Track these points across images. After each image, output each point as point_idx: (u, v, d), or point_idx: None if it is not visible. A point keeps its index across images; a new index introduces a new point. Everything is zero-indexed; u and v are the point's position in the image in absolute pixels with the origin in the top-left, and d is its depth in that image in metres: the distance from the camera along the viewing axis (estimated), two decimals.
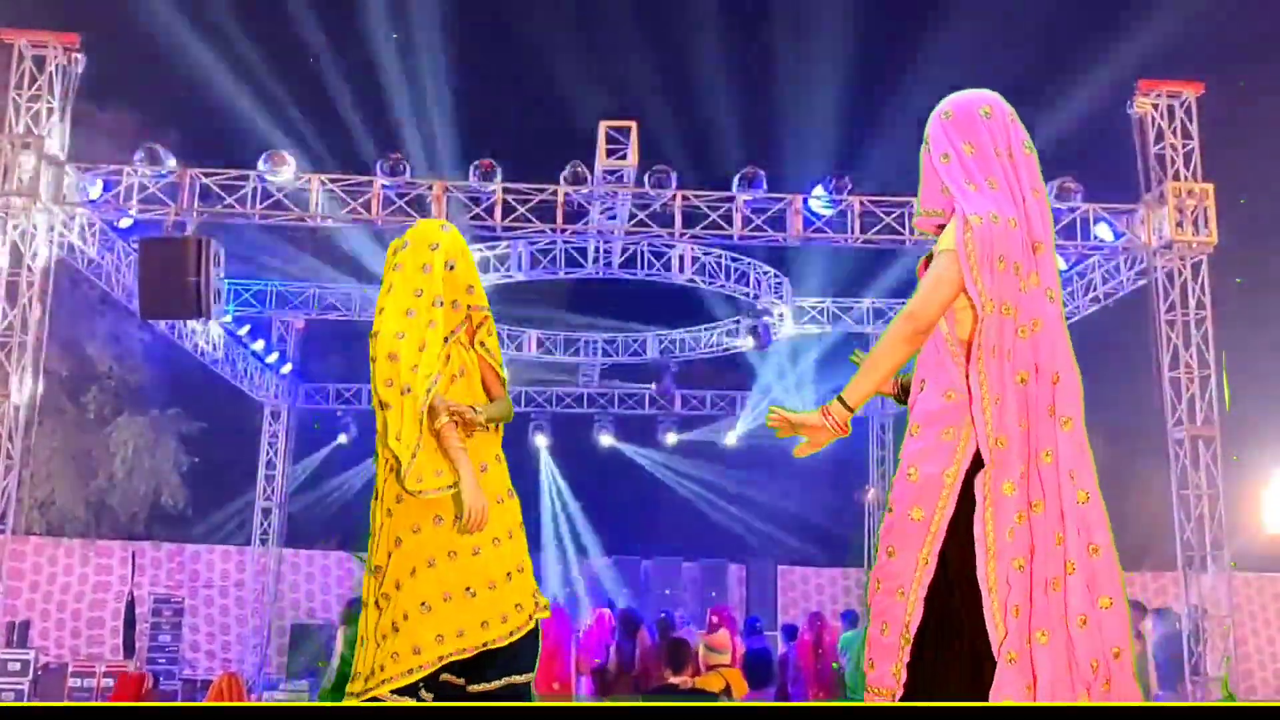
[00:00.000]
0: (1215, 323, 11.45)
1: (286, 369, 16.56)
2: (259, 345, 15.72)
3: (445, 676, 3.72)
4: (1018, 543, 2.81)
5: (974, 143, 2.99)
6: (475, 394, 3.86)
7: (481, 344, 3.95)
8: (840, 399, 3.00)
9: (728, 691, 7.66)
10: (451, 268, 3.84)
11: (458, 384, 3.81)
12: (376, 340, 3.73)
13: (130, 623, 15.58)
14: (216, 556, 17.86)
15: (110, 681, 14.97)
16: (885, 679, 2.87)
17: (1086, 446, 2.89)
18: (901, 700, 2.82)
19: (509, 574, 3.78)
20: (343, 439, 18.54)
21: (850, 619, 12.21)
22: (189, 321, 13.67)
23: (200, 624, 17.28)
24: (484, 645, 3.71)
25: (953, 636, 2.83)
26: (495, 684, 3.73)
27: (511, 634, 3.74)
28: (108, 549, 17.57)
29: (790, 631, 13.04)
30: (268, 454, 17.11)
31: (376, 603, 3.77)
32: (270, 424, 17.20)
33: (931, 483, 2.86)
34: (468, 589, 3.70)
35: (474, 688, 3.74)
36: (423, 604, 3.68)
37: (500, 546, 3.78)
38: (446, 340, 3.81)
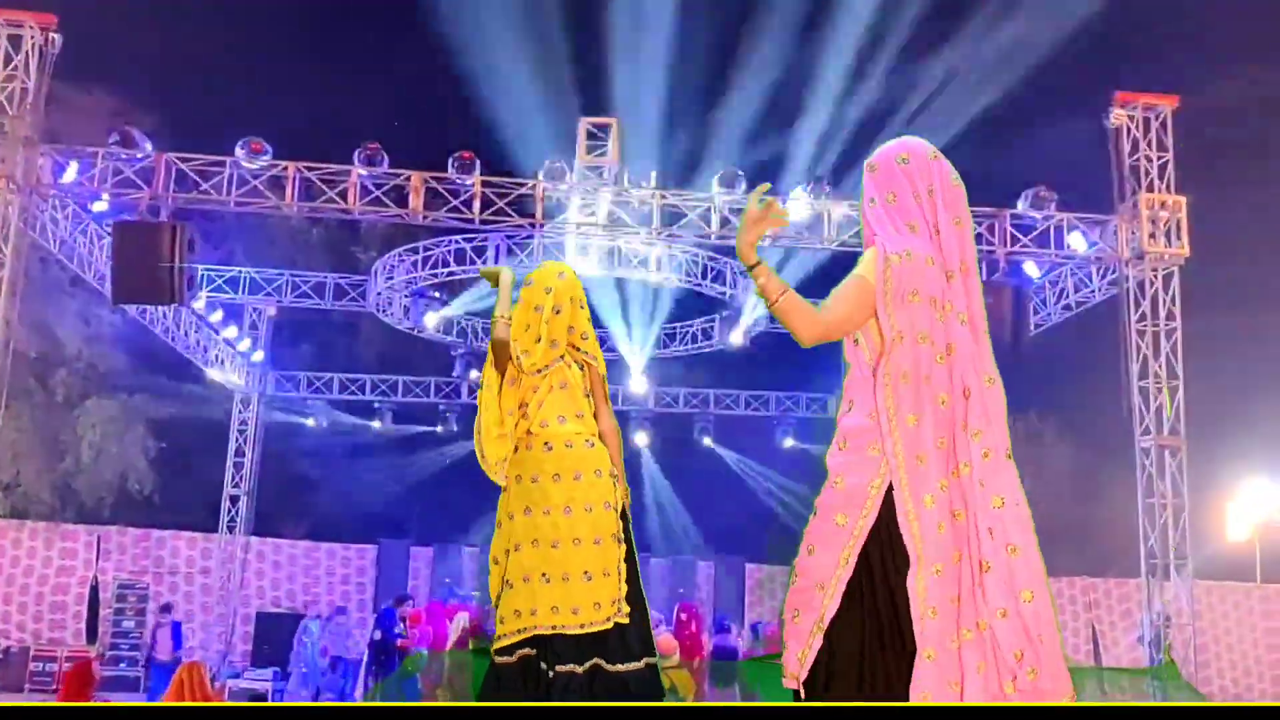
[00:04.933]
0: (1184, 334, 11.59)
1: (258, 356, 16.47)
2: (231, 332, 15.63)
3: (521, 652, 4.20)
4: (941, 550, 3.09)
5: (895, 191, 3.27)
6: (577, 403, 4.46)
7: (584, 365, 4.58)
8: (759, 271, 3.15)
9: (673, 691, 7.41)
10: (558, 311, 4.46)
11: (556, 394, 4.43)
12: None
13: (94, 608, 15.46)
14: (183, 543, 17.73)
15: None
16: (792, 662, 3.13)
17: (1004, 457, 3.16)
18: (806, 685, 3.08)
19: (586, 573, 4.20)
20: (311, 424, 18.47)
21: None
22: (161, 306, 13.59)
23: None
24: (554, 629, 4.15)
25: (882, 633, 3.09)
26: (582, 666, 4.12)
27: (583, 626, 4.15)
28: (73, 533, 17.42)
29: (755, 630, 13.09)
30: (237, 441, 17.02)
31: (495, 559, 4.40)
32: (240, 411, 17.11)
33: (857, 492, 3.14)
34: (543, 575, 4.20)
35: (561, 668, 4.14)
36: (508, 582, 4.27)
37: (581, 547, 4.22)
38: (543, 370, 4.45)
